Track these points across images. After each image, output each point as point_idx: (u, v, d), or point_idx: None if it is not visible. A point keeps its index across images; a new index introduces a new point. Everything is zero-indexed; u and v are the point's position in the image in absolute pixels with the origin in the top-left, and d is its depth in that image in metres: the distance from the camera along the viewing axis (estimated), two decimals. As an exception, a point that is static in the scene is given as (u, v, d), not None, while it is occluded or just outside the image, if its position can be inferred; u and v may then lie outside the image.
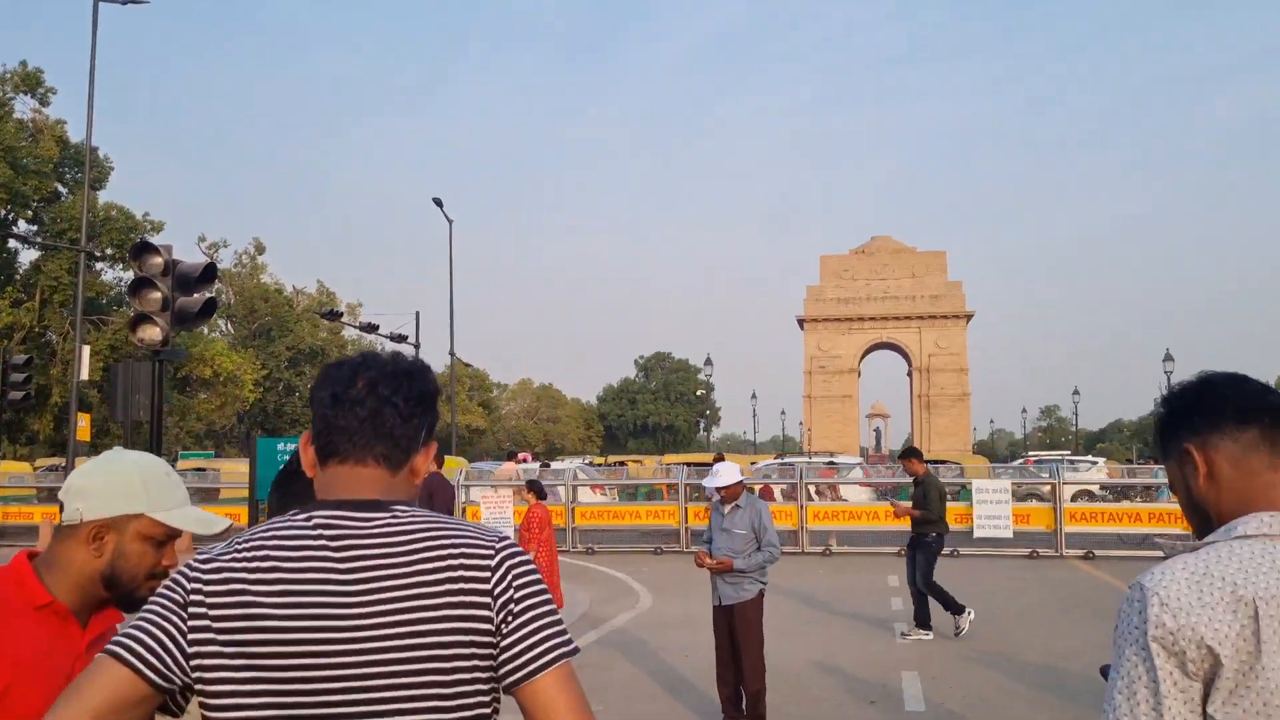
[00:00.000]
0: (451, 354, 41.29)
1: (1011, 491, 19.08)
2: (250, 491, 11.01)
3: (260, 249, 66.74)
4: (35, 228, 41.20)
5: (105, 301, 42.11)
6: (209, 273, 11.52)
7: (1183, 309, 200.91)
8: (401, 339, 39.48)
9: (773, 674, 7.32)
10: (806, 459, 35.96)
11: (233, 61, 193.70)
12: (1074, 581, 15.42)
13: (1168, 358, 49.20)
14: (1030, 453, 58.47)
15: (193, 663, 1.45)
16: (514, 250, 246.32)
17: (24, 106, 40.26)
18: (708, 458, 26.05)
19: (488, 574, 1.50)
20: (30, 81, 40.02)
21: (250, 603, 1.45)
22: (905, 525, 18.87)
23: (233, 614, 1.45)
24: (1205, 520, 1.64)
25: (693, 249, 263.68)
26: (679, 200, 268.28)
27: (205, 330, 51.82)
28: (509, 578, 1.51)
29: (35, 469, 32.88)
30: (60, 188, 41.60)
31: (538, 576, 1.55)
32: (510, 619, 1.49)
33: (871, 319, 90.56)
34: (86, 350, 23.39)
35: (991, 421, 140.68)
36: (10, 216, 40.93)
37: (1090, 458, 37.79)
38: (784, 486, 21.61)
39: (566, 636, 1.54)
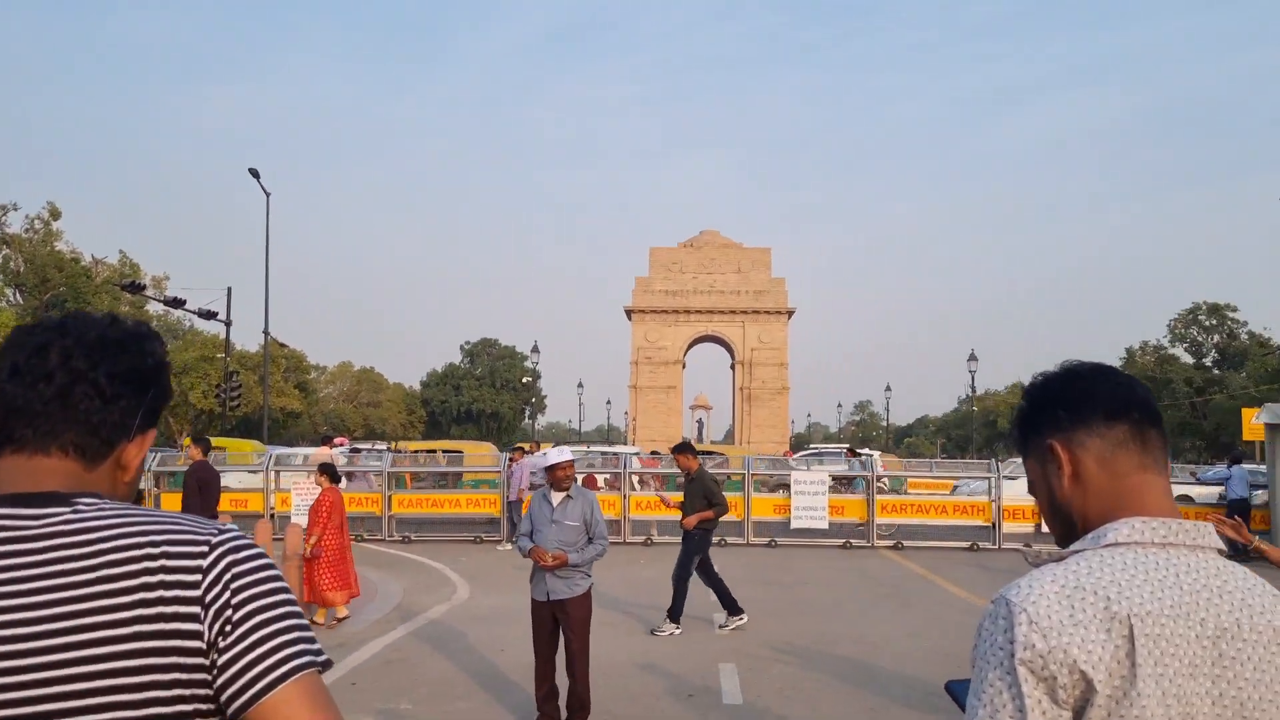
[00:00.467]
0: (265, 333, 39.34)
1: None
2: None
3: (55, 214, 62.15)
4: None
5: None
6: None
7: (987, 311, 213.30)
8: (211, 315, 37.41)
9: (591, 669, 7.06)
10: (633, 449, 36.18)
11: (34, 15, 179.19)
12: (885, 571, 15.87)
13: (972, 357, 51.95)
14: (812, 446, 60.62)
15: None
16: (336, 229, 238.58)
17: None
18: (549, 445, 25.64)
19: (198, 577, 1.15)
20: None
21: None
22: (727, 515, 19.22)
23: None
24: (1069, 525, 1.47)
25: (522, 236, 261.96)
26: (508, 186, 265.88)
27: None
28: (226, 578, 1.16)
29: None
30: None
31: (270, 574, 1.20)
32: (229, 630, 1.14)
33: (698, 312, 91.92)
34: None
35: (809, 415, 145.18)
36: None
37: (868, 450, 39.21)
38: (607, 475, 21.47)
39: (309, 646, 1.18)
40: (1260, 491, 18.37)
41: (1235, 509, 17.62)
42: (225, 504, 19.62)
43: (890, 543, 18.85)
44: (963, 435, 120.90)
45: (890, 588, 14.04)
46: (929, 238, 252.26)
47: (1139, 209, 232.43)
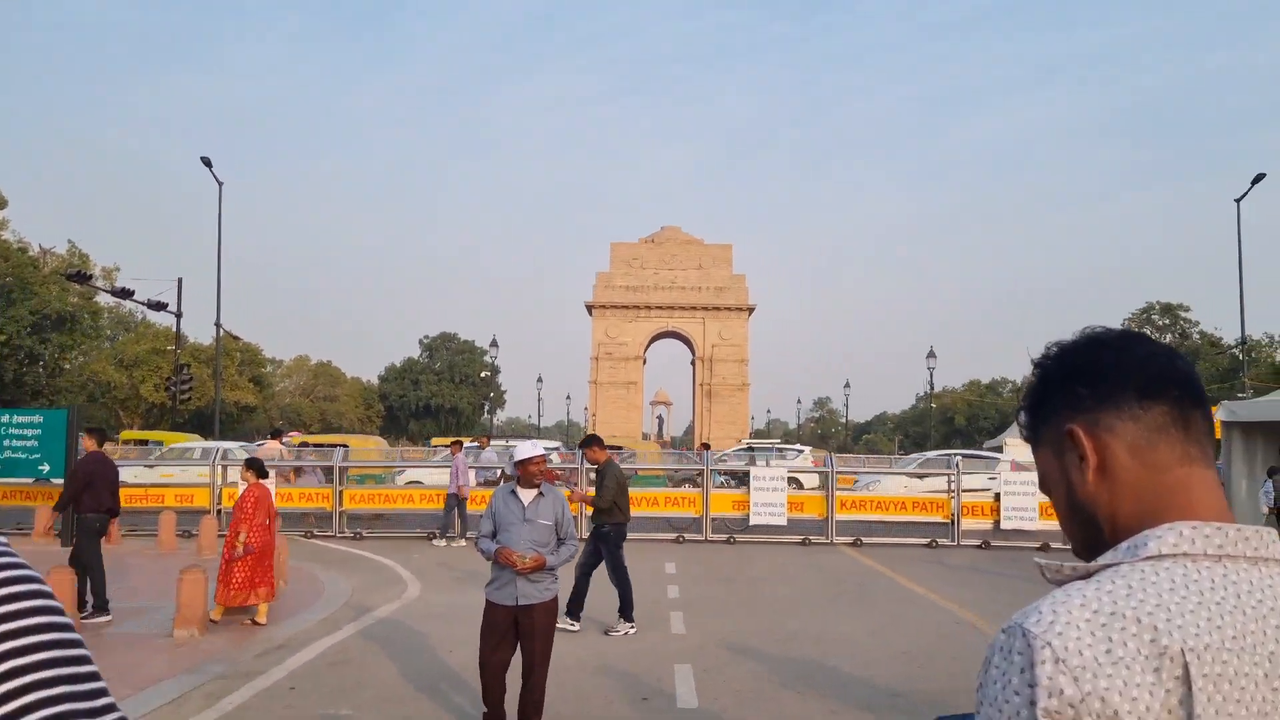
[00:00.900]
0: (217, 325, 38.59)
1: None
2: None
3: (1, 203, 60.56)
4: None
5: None
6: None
7: (944, 309, 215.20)
8: (160, 306, 36.59)
9: (541, 672, 6.76)
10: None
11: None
12: (844, 568, 15.71)
13: (931, 354, 52.16)
14: (746, 440, 60.71)
15: None
16: (294, 222, 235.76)
17: None
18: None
19: None
20: None
21: None
22: (686, 511, 19.02)
23: None
24: (1093, 530, 1.15)
25: (482, 230, 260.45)
26: (468, 179, 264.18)
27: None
28: None
29: None
30: None
31: (23, 606, 0.88)
32: None
33: (658, 308, 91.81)
34: None
35: (769, 411, 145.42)
36: None
37: (798, 446, 39.21)
38: (563, 471, 21.13)
39: (73, 707, 0.85)
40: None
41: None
42: (171, 499, 19.20)
43: (849, 539, 18.71)
44: (920, 432, 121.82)
45: (849, 585, 13.86)
46: (889, 236, 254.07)
47: (1094, 209, 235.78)
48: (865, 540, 18.71)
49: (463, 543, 18.02)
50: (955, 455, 27.72)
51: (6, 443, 17.39)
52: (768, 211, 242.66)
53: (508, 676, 6.40)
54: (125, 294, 36.03)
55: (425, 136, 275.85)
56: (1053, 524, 18.72)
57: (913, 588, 13.63)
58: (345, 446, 21.20)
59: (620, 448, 25.05)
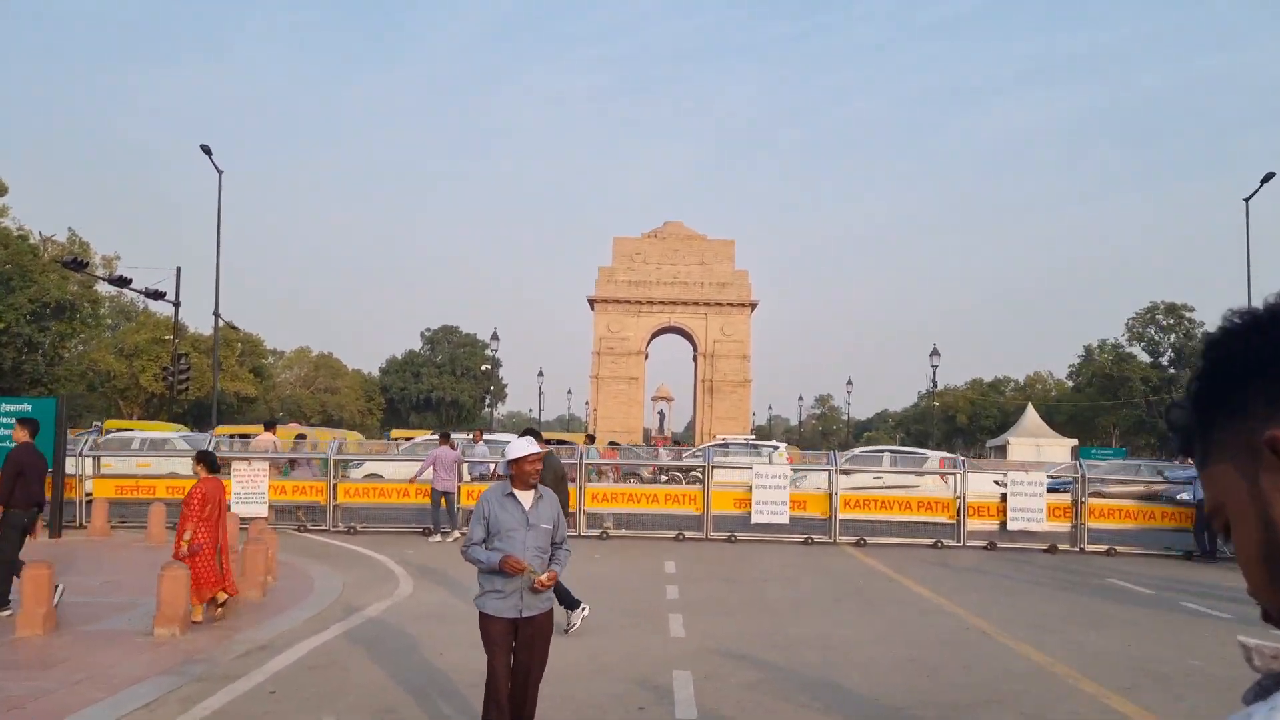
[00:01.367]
0: (216, 314, 38.24)
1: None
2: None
3: (1, 189, 60.19)
4: None
5: None
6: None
7: (947, 307, 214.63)
8: (158, 295, 36.31)
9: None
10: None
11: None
12: (848, 569, 15.36)
13: (935, 352, 51.79)
14: (720, 437, 60.38)
15: None
16: (297, 214, 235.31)
17: None
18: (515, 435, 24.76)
19: None
20: None
21: None
22: (687, 509, 18.66)
23: None
24: None
25: (485, 223, 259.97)
26: (471, 172, 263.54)
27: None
28: None
29: None
30: None
31: None
32: None
33: (660, 303, 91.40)
34: None
35: (770, 408, 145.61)
36: None
37: (774, 443, 38.86)
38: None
39: None
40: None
41: (1203, 508, 17.30)
42: (162, 491, 18.86)
43: (852, 539, 18.37)
44: (922, 430, 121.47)
45: (853, 587, 13.51)
46: (892, 234, 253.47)
47: (1099, 208, 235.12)
48: (869, 540, 18.37)
49: (458, 535, 17.70)
50: (884, 451, 27.25)
51: (-7, 432, 17.03)
52: (771, 207, 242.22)
53: None
54: (123, 282, 35.71)
55: (429, 129, 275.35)
56: (1060, 525, 18.40)
57: (918, 590, 13.28)
58: (338, 440, 20.88)
59: (565, 441, 24.61)
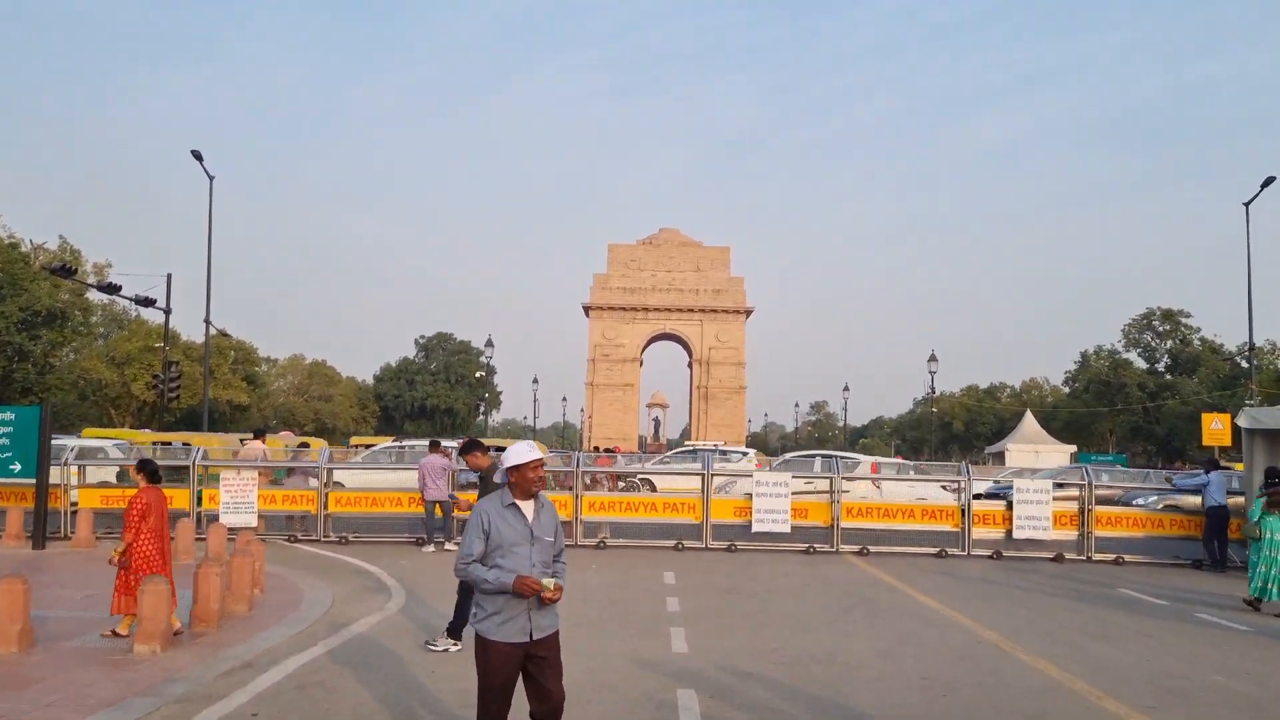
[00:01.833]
0: (207, 321, 37.83)
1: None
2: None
3: (-8, 197, 59.76)
4: None
5: None
6: None
7: (942, 314, 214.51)
8: (149, 302, 35.86)
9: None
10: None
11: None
12: (851, 579, 15.00)
13: (932, 358, 51.51)
14: (687, 443, 59.91)
15: None
16: (289, 221, 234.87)
17: None
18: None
19: None
20: None
21: None
22: (686, 517, 18.30)
23: None
24: None
25: (479, 230, 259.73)
26: (465, 178, 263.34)
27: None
28: None
29: None
30: None
31: None
32: None
33: (655, 310, 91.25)
34: None
35: (765, 415, 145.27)
36: None
37: (743, 449, 38.56)
38: (558, 474, 20.42)
39: None
40: (1239, 498, 17.61)
41: (1214, 516, 16.98)
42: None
43: (855, 548, 18.02)
44: (918, 436, 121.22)
45: (858, 598, 13.15)
46: (887, 240, 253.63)
47: (1094, 214, 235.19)
48: (872, 549, 18.02)
49: (451, 545, 17.35)
50: (815, 455, 26.81)
51: (-25, 441, 16.64)
52: (766, 214, 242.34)
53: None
54: (112, 289, 35.29)
55: (423, 135, 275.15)
56: (1067, 534, 18.07)
57: (925, 601, 12.92)
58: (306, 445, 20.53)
59: (614, 450, 24.33)
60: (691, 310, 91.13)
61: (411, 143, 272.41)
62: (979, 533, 18.08)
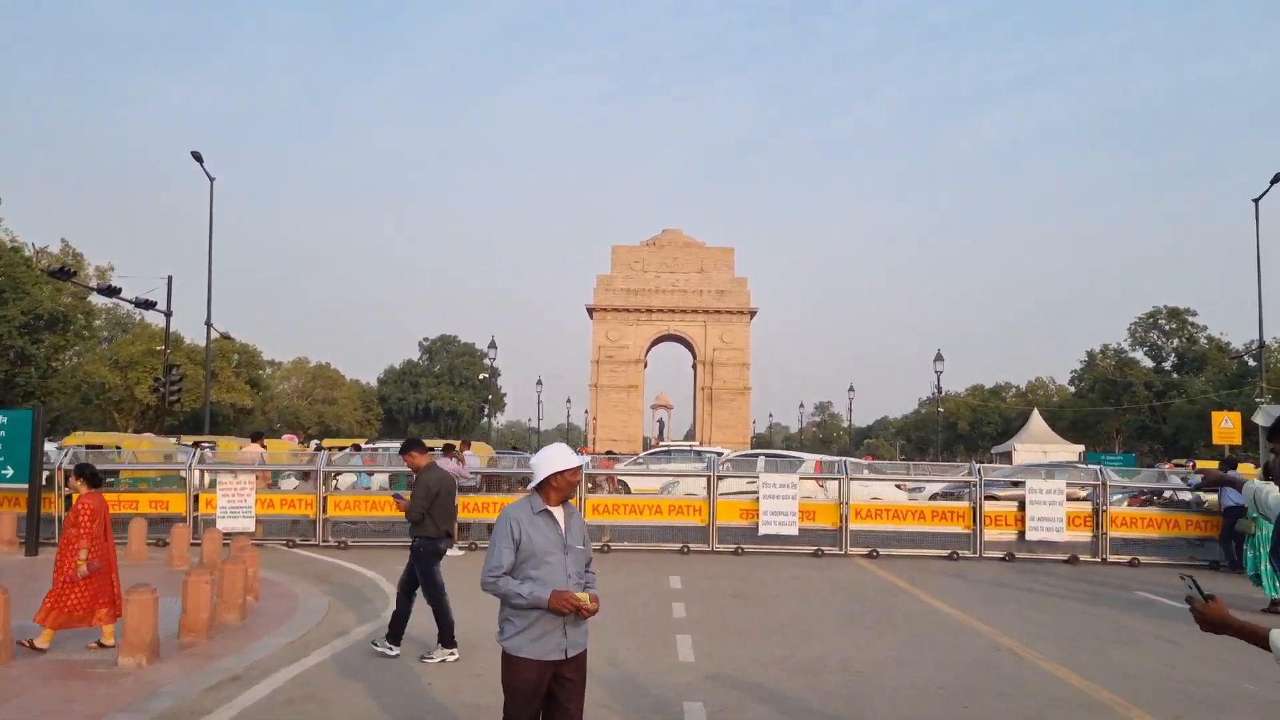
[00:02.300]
0: (208, 324, 37.56)
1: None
2: None
3: (-7, 200, 59.50)
4: None
5: None
6: None
7: (947, 313, 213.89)
8: (149, 305, 35.59)
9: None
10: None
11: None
12: (861, 583, 14.65)
13: (939, 357, 51.11)
14: (662, 443, 59.54)
15: None
16: (293, 224, 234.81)
17: None
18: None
19: None
20: None
21: None
22: (692, 520, 17.96)
23: None
24: None
25: (483, 232, 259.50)
26: (468, 181, 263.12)
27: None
28: None
29: None
30: None
31: None
32: None
33: (659, 311, 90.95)
34: None
35: (770, 415, 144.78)
36: None
37: (718, 448, 38.19)
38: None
39: None
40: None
41: (1231, 517, 16.60)
42: (145, 506, 18.14)
43: (864, 550, 17.66)
44: (922, 437, 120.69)
45: (870, 603, 12.80)
46: (891, 240, 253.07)
47: (1100, 213, 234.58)
48: (881, 551, 17.66)
49: (458, 551, 17.05)
50: (760, 455, 26.26)
51: (-34, 445, 16.32)
52: (770, 215, 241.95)
53: None
54: (112, 291, 35.03)
55: (426, 137, 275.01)
56: (1080, 535, 17.71)
57: (938, 606, 12.56)
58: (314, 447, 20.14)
59: (612, 452, 23.94)
60: (695, 311, 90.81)
61: (414, 144, 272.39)
62: (991, 534, 17.71)
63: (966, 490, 18.19)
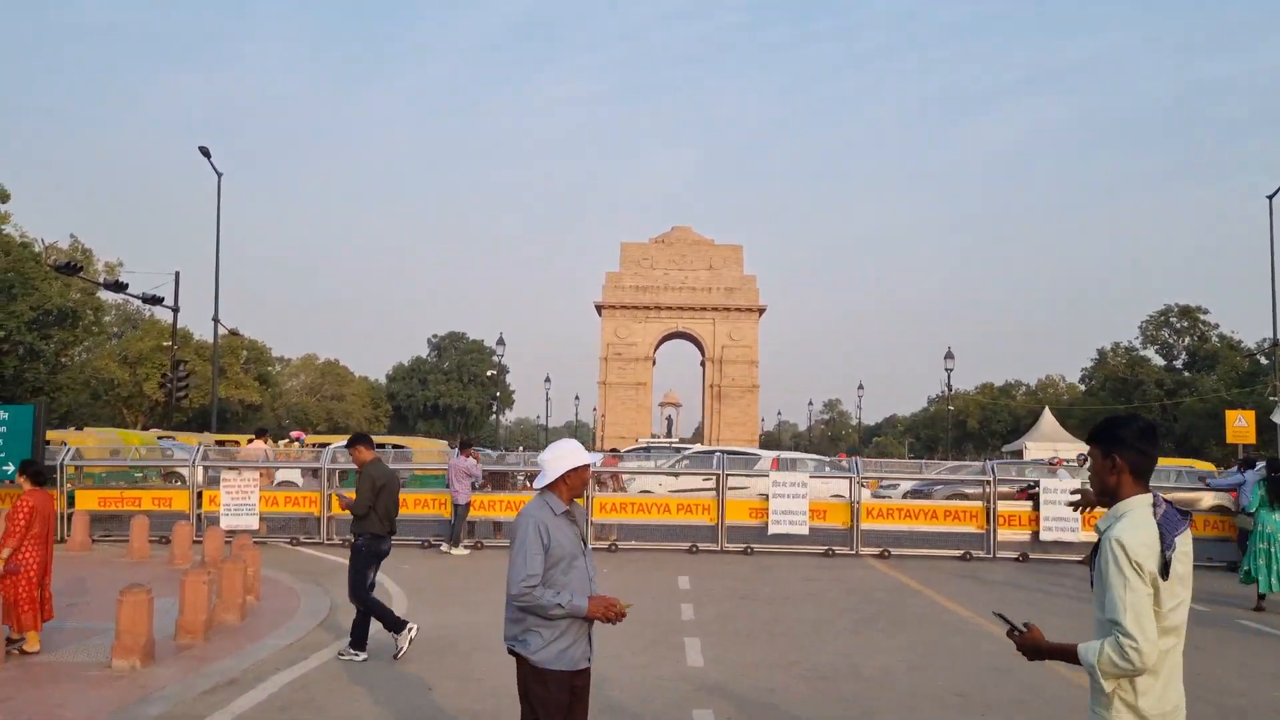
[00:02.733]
0: (215, 320, 37.41)
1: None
2: None
3: (4, 196, 59.51)
4: None
5: None
6: None
7: (957, 311, 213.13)
8: (156, 300, 35.51)
9: None
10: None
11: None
12: (873, 584, 14.38)
13: (949, 355, 50.78)
14: (641, 439, 58.99)
15: None
16: (303, 221, 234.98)
17: None
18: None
19: None
20: None
21: None
22: (700, 519, 17.72)
23: None
24: None
25: (492, 229, 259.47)
26: (477, 178, 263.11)
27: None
28: None
29: None
30: None
31: None
32: None
33: (668, 308, 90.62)
34: None
35: (779, 413, 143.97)
36: None
37: (696, 446, 37.78)
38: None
39: None
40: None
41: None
42: (148, 503, 17.97)
43: (876, 550, 17.39)
44: (931, 435, 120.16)
45: (882, 605, 12.53)
46: (901, 237, 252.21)
47: (1110, 211, 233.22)
48: (893, 551, 17.39)
49: (456, 550, 16.86)
50: (716, 452, 25.79)
51: (-33, 442, 16.15)
52: (779, 212, 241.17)
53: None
54: (119, 287, 34.97)
55: (435, 135, 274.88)
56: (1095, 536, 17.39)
57: (952, 608, 12.29)
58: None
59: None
60: (704, 309, 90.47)
61: (424, 141, 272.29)
62: (1004, 534, 17.43)
63: (935, 489, 17.95)
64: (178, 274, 36.60)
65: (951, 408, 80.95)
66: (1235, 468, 18.30)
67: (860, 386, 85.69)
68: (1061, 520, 17.10)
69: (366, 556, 9.08)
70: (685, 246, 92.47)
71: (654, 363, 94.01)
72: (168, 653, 8.70)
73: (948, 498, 19.14)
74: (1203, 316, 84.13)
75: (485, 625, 9.98)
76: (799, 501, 17.33)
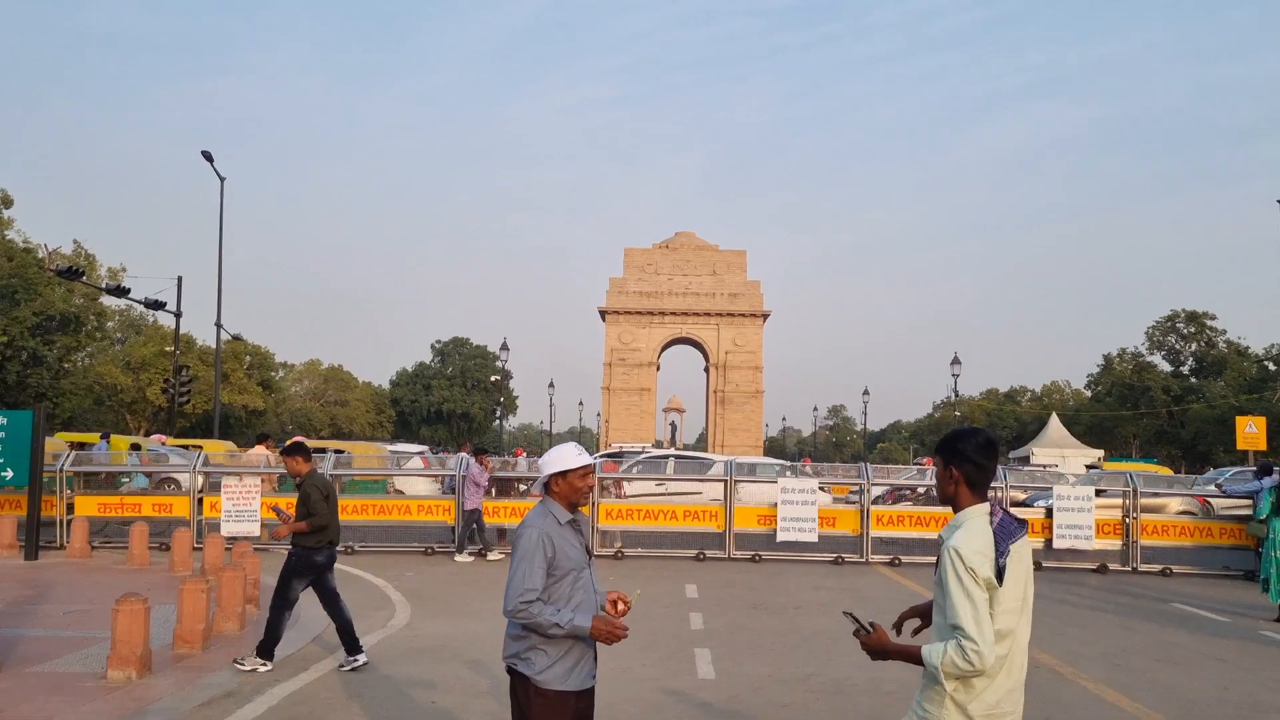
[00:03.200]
0: (218, 325, 37.21)
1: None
2: None
3: (7, 201, 59.42)
4: None
5: None
6: None
7: (962, 317, 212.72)
8: (158, 305, 35.39)
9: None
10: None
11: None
12: (884, 593, 14.12)
13: (955, 360, 50.51)
14: (614, 444, 58.77)
15: None
16: (307, 227, 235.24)
17: None
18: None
19: None
20: None
21: None
22: (708, 526, 17.46)
23: None
24: None
25: (495, 234, 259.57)
26: (481, 184, 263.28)
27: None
28: None
29: None
30: None
31: None
32: None
33: (672, 313, 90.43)
34: None
35: (784, 419, 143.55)
36: None
37: (671, 452, 37.48)
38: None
39: None
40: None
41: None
42: (148, 509, 17.74)
43: (886, 558, 17.12)
44: (936, 440, 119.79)
45: (895, 614, 12.23)
46: (906, 243, 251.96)
47: (1116, 216, 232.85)
48: (904, 559, 17.12)
49: (467, 558, 16.61)
50: (669, 456, 25.36)
51: (-35, 447, 15.91)
52: (783, 218, 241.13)
53: None
54: (121, 292, 34.84)
55: (439, 140, 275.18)
56: (1111, 543, 17.15)
57: (967, 618, 12.01)
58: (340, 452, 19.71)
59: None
60: (708, 314, 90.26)
61: (428, 147, 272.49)
62: (1017, 542, 17.12)
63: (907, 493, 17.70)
64: (180, 279, 36.47)
65: (957, 413, 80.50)
66: (1242, 472, 18.04)
67: (865, 392, 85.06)
68: (1075, 528, 16.82)
69: (299, 569, 8.87)
70: (689, 252, 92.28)
71: (658, 368, 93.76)
72: (165, 663, 8.46)
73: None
74: (1210, 322, 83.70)
75: (487, 636, 9.73)
76: (809, 509, 17.07)
